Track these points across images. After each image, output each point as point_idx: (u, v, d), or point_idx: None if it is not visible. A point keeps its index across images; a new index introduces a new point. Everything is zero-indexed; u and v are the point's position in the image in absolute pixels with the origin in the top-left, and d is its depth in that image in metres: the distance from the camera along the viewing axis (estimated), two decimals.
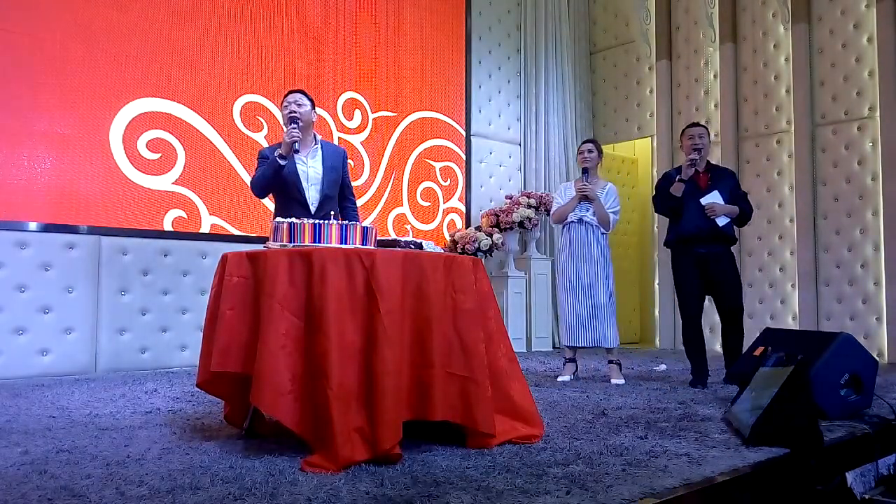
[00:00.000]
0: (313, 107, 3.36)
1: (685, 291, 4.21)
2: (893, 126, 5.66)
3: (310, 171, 3.31)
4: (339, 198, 3.48)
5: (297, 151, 3.21)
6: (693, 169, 4.16)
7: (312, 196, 3.30)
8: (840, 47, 6.05)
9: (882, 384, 3.61)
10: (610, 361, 4.43)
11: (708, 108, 6.92)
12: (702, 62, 6.99)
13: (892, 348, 5.60)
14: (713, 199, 4.13)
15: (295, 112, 3.21)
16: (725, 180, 4.24)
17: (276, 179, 3.23)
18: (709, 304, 4.30)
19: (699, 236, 4.13)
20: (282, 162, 3.19)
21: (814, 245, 6.09)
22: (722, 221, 4.12)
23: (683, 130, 4.32)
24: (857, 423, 2.86)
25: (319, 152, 3.37)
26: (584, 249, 4.41)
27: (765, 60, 6.52)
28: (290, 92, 3.33)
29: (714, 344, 6.30)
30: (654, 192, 4.40)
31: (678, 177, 4.18)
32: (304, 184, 3.28)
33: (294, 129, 3.16)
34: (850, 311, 5.85)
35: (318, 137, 3.44)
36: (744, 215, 4.22)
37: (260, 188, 3.30)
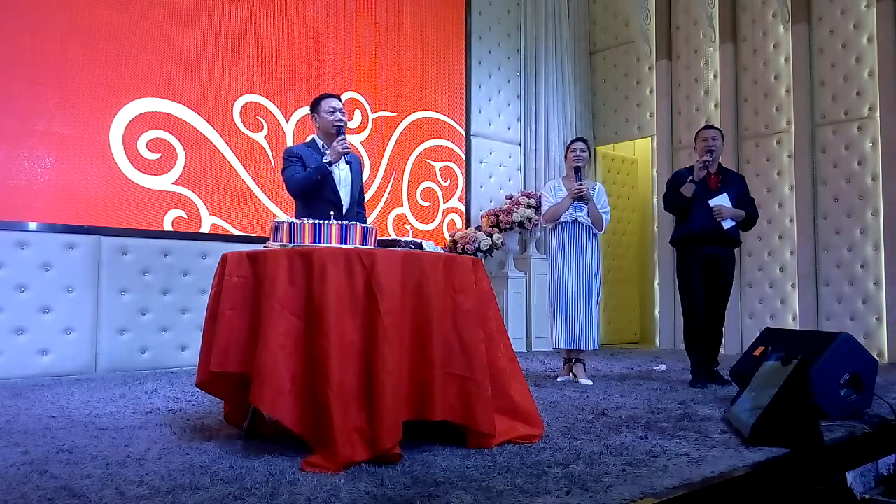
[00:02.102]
0: None
1: (691, 292, 4.23)
2: (893, 126, 5.66)
3: (341, 174, 3.44)
4: None
5: (349, 163, 3.41)
6: (705, 171, 4.19)
7: (344, 198, 3.43)
8: (840, 47, 6.05)
9: (882, 384, 3.61)
10: (577, 361, 4.41)
11: (708, 108, 6.92)
12: (702, 62, 6.99)
13: (892, 348, 5.59)
14: (721, 201, 4.16)
15: (342, 121, 3.35)
16: (735, 184, 4.29)
17: (320, 184, 3.35)
18: None
19: (704, 237, 4.17)
20: (330, 169, 3.32)
21: (814, 245, 6.09)
22: (727, 224, 4.15)
23: (698, 132, 4.36)
24: (857, 423, 2.86)
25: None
26: (579, 250, 4.39)
27: (765, 60, 6.52)
28: (328, 96, 3.43)
29: None
30: (665, 190, 4.41)
31: (690, 177, 4.20)
32: (338, 186, 3.41)
33: (343, 139, 3.30)
34: (850, 311, 5.84)
35: None
36: (750, 220, 4.28)
37: (302, 191, 3.35)
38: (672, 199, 4.29)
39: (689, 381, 4.20)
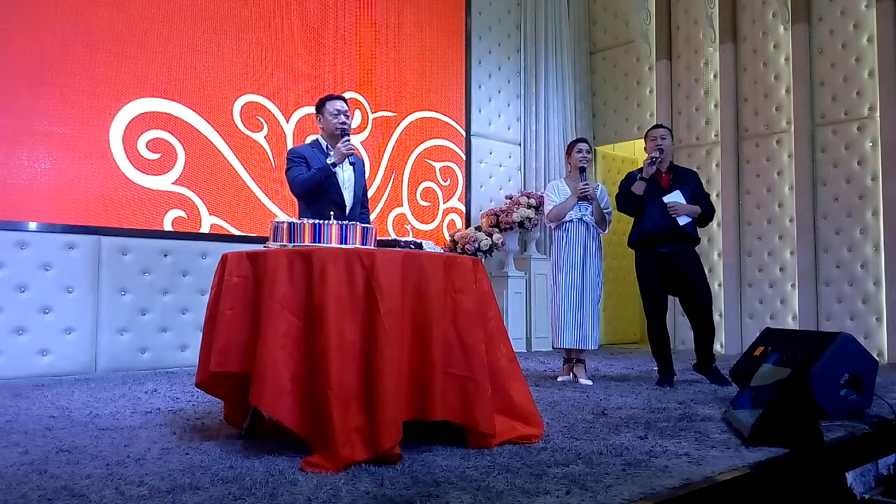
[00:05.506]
0: None
1: (648, 291, 4.25)
2: (893, 126, 5.66)
3: (345, 175, 3.47)
4: None
5: (353, 164, 3.47)
6: (654, 168, 4.19)
7: (348, 198, 3.47)
8: (840, 47, 6.04)
9: (882, 384, 3.61)
10: (578, 361, 4.41)
11: (708, 108, 6.92)
12: (702, 62, 6.99)
13: (892, 348, 5.59)
14: (675, 198, 4.17)
15: (346, 124, 3.40)
16: (688, 181, 4.29)
17: (324, 184, 3.38)
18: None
19: (660, 235, 4.17)
20: (335, 170, 3.36)
21: (814, 245, 6.09)
22: (683, 221, 4.16)
23: (647, 132, 4.38)
24: (857, 423, 2.86)
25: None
26: (584, 249, 4.40)
27: (765, 60, 6.52)
28: (333, 98, 3.49)
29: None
30: (617, 192, 4.42)
31: (639, 176, 4.21)
32: (342, 187, 3.45)
33: (348, 141, 3.34)
34: (850, 311, 5.84)
35: None
36: (705, 216, 4.28)
37: (308, 191, 3.38)
38: (625, 199, 4.30)
39: (655, 381, 4.22)
